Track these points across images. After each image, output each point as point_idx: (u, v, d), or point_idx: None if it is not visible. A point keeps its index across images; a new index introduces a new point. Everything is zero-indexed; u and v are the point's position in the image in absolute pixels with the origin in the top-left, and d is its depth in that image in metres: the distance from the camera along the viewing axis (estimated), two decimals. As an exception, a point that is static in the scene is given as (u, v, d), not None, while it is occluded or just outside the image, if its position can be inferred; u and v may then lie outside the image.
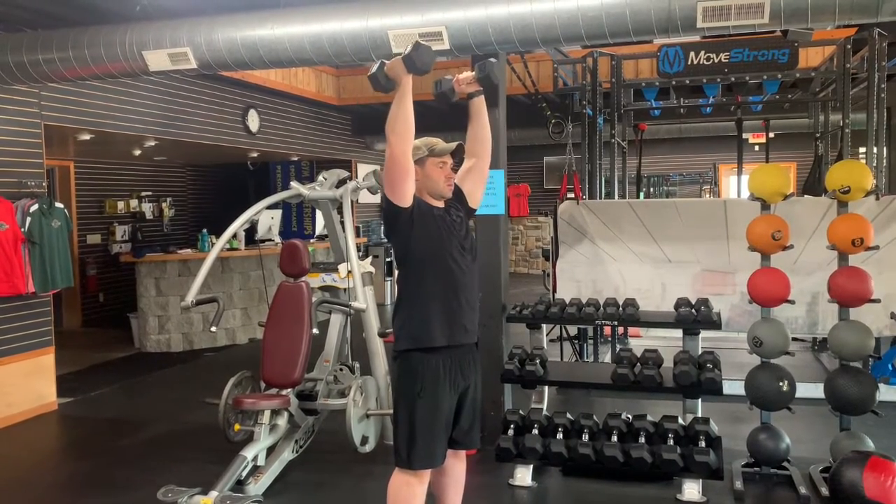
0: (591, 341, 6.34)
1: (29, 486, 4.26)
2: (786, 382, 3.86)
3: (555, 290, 5.65)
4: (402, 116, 2.60)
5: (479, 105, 2.95)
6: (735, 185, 9.01)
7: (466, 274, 2.85)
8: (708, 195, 13.31)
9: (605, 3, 3.67)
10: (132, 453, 4.70)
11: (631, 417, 4.01)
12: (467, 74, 2.90)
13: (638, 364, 4.16)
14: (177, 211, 11.13)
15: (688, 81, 6.28)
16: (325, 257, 9.37)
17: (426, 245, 2.77)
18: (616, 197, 7.18)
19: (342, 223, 4.50)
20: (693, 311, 4.35)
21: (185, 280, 7.75)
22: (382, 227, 2.95)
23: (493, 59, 2.88)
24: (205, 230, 8.40)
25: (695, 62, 6.06)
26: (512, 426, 4.09)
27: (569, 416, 4.10)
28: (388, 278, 10.79)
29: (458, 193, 2.95)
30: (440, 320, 2.76)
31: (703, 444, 3.75)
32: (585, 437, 3.94)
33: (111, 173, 9.94)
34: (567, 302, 4.66)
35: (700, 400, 4.17)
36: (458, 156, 2.90)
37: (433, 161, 2.84)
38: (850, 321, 3.86)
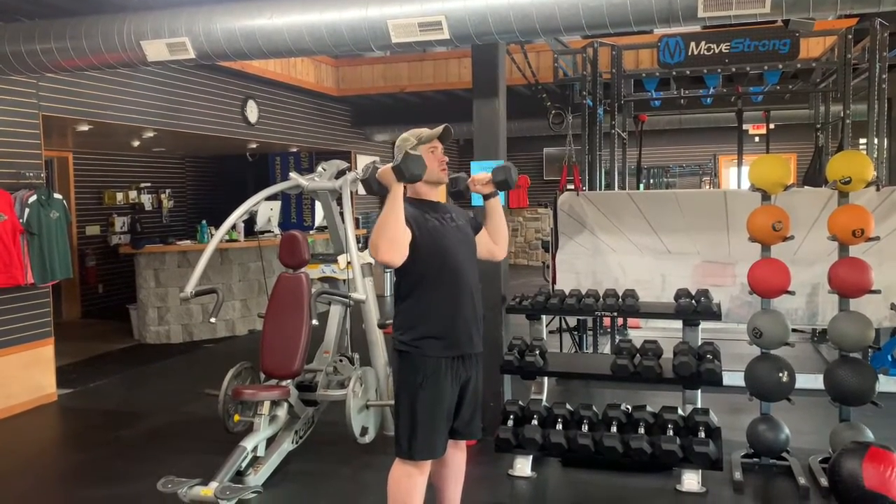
0: (590, 332, 6.34)
1: (28, 476, 4.26)
2: (785, 373, 3.86)
3: (554, 282, 5.64)
4: (393, 222, 2.61)
5: (495, 205, 3.04)
6: (735, 176, 9.00)
7: (468, 282, 2.84)
8: (708, 186, 13.29)
9: (606, -8, 3.65)
10: (132, 444, 4.70)
11: (630, 408, 4.02)
12: (483, 175, 3.02)
13: (637, 355, 4.16)
14: (176, 202, 11.11)
15: (688, 72, 6.26)
16: (324, 248, 9.36)
17: (424, 260, 2.75)
18: (616, 188, 7.16)
19: (341, 214, 4.49)
20: (693, 302, 4.35)
21: (185, 271, 7.75)
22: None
23: (509, 164, 3.01)
24: (204, 221, 8.39)
25: (695, 52, 6.04)
26: (511, 417, 4.09)
27: (568, 406, 4.10)
28: (388, 270, 10.78)
29: (475, 226, 3.01)
30: (443, 336, 2.76)
31: (702, 434, 3.76)
32: (585, 428, 3.95)
33: (110, 164, 9.91)
34: (567, 293, 4.65)
35: (700, 391, 4.18)
36: (446, 138, 2.90)
37: (424, 148, 2.84)
38: (850, 312, 3.86)
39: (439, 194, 2.99)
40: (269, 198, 4.71)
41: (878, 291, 3.78)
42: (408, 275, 2.77)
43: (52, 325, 5.80)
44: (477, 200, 3.22)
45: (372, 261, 4.73)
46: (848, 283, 3.78)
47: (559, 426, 3.98)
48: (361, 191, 5.27)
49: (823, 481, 3.68)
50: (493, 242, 3.05)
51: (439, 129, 2.87)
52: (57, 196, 5.62)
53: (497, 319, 4.57)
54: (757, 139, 12.22)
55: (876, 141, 5.76)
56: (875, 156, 5.69)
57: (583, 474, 4.00)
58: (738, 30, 5.90)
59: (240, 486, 3.59)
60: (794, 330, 4.87)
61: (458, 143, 14.31)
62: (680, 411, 3.98)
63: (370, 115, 11.13)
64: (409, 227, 2.68)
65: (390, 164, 2.64)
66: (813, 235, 4.78)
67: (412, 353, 2.77)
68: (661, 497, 3.71)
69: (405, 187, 2.75)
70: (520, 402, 4.21)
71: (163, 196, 10.81)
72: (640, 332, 7.01)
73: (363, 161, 11.09)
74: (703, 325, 4.39)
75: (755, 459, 4.01)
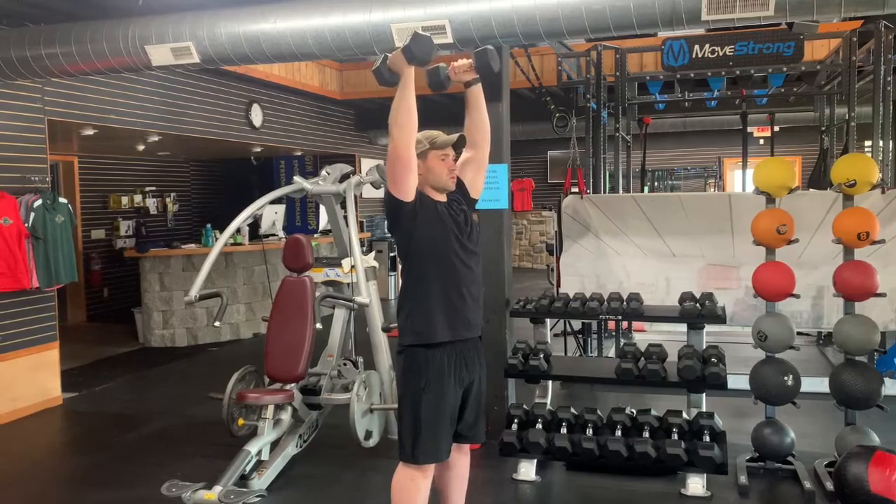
0: (594, 336, 6.33)
1: (34, 480, 4.27)
2: (790, 377, 3.85)
3: (558, 285, 5.64)
4: (405, 108, 2.59)
5: (477, 93, 2.91)
6: (740, 178, 8.98)
7: (470, 268, 2.84)
8: (712, 189, 13.27)
9: (609, -5, 3.65)
10: (136, 448, 4.71)
11: (635, 412, 4.01)
12: (463, 62, 2.84)
13: (642, 358, 4.15)
14: (180, 206, 11.14)
15: (692, 75, 6.25)
16: (328, 252, 9.37)
17: (429, 239, 2.77)
18: (620, 191, 7.16)
19: (345, 218, 4.49)
20: (697, 305, 4.34)
21: (189, 275, 7.76)
22: (386, 222, 2.93)
23: (490, 47, 2.82)
24: (208, 225, 8.41)
25: (699, 55, 6.03)
26: (516, 421, 4.09)
27: (573, 410, 4.09)
28: (392, 273, 10.79)
29: (459, 185, 2.93)
30: (443, 315, 2.76)
31: (707, 438, 3.75)
32: (589, 432, 3.93)
33: (115, 168, 9.95)
34: (571, 296, 4.65)
35: (704, 394, 4.17)
36: (459, 148, 2.89)
37: (435, 154, 2.83)
38: (855, 315, 3.85)
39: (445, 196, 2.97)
40: (274, 201, 4.72)
41: (883, 294, 3.77)
42: (414, 255, 2.78)
43: (58, 329, 5.81)
44: (481, 205, 3.14)
45: (376, 264, 4.75)
46: (853, 287, 3.77)
47: (563, 430, 3.97)
48: (366, 194, 5.28)
49: (829, 485, 3.66)
50: (475, 142, 2.93)
51: (454, 137, 2.85)
52: (62, 200, 5.64)
53: (501, 323, 4.56)
54: (761, 142, 12.20)
55: (881, 143, 5.74)
56: (880, 158, 5.67)
57: (587, 478, 3.98)
58: (742, 32, 5.90)
59: (244, 489, 3.59)
60: (799, 333, 4.86)
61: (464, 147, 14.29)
62: (685, 415, 3.97)
63: (374, 119, 11.14)
64: (413, 208, 2.70)
65: (399, 48, 2.58)
66: (818, 238, 4.76)
67: (415, 346, 2.76)
68: (665, 501, 3.70)
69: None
70: (524, 406, 4.20)
71: (168, 200, 10.84)
72: (645, 335, 6.99)
73: (367, 164, 11.11)
74: (708, 328, 4.38)
75: (760, 463, 3.99)
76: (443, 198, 2.88)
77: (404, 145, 2.61)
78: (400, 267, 2.95)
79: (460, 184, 2.93)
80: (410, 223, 2.74)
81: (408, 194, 2.69)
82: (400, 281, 2.93)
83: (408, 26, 3.96)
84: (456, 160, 2.91)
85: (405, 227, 2.76)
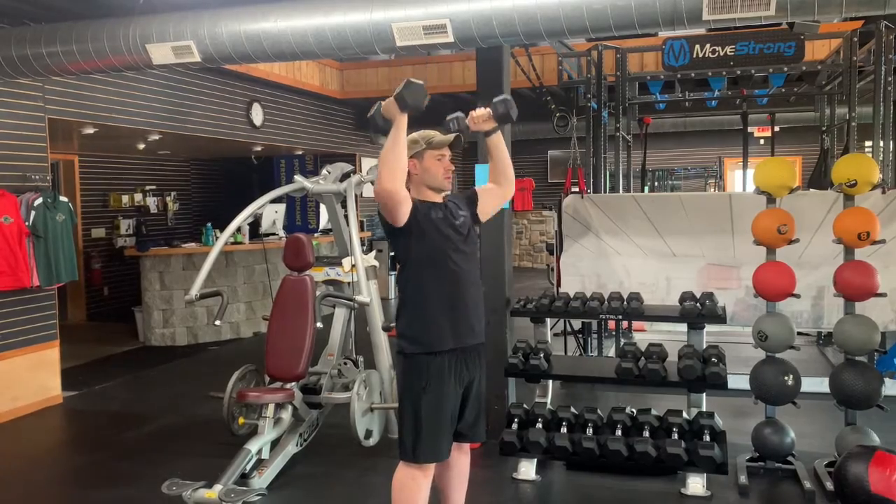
0: (595, 335, 6.33)
1: (34, 479, 4.27)
2: (791, 377, 3.85)
3: (559, 285, 5.64)
4: (396, 152, 2.60)
5: (497, 141, 2.93)
6: (740, 178, 8.98)
7: (469, 273, 2.84)
8: (712, 189, 13.27)
9: (611, -5, 3.65)
10: (137, 447, 4.71)
11: (635, 411, 4.01)
12: (482, 111, 2.87)
13: (642, 358, 4.15)
14: (181, 205, 11.14)
15: (693, 75, 6.25)
16: (328, 251, 9.37)
17: (426, 250, 2.76)
18: (621, 191, 7.16)
19: (346, 217, 4.50)
20: (698, 305, 4.34)
21: (190, 274, 7.77)
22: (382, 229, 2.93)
23: (508, 97, 2.87)
24: (209, 224, 8.41)
25: (700, 55, 6.03)
26: (516, 420, 4.09)
27: (573, 409, 4.09)
28: (392, 272, 10.79)
29: (472, 200, 2.97)
30: (446, 325, 2.76)
31: (707, 438, 3.75)
32: (589, 431, 3.94)
33: (115, 167, 9.94)
34: (571, 296, 4.65)
35: (705, 394, 4.17)
36: (455, 147, 2.89)
37: (431, 154, 2.83)
38: (855, 315, 3.85)
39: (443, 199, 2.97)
40: (274, 200, 4.72)
41: (883, 294, 3.77)
42: (411, 263, 2.78)
43: (58, 328, 5.82)
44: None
45: (376, 263, 4.75)
46: (853, 287, 3.77)
47: (564, 429, 3.97)
48: (366, 193, 5.28)
49: (829, 485, 3.66)
50: (499, 183, 2.97)
51: (450, 137, 2.85)
52: (63, 199, 5.64)
53: (501, 322, 4.56)
54: (762, 142, 12.20)
55: (881, 143, 5.74)
56: (881, 158, 5.67)
57: (587, 478, 3.98)
58: (742, 32, 5.89)
59: (244, 488, 3.60)
60: (799, 333, 4.86)
61: (464, 146, 14.30)
62: (685, 414, 3.98)
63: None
64: (409, 219, 2.70)
65: (393, 95, 2.60)
66: (818, 238, 4.76)
67: (416, 354, 2.77)
68: (666, 501, 3.70)
69: (408, 178, 2.75)
70: (524, 406, 4.20)
71: (168, 199, 10.84)
72: (645, 335, 7.00)
73: (368, 164, 11.11)
74: (708, 328, 4.39)
75: (760, 463, 3.99)
76: (438, 198, 2.87)
77: (394, 190, 2.62)
78: (397, 271, 2.94)
79: (473, 200, 2.96)
80: (406, 238, 2.76)
81: (401, 222, 2.71)
82: (397, 285, 2.93)
83: (409, 25, 3.96)
84: (453, 161, 2.92)
85: (401, 240, 2.79)
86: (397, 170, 2.61)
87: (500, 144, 2.93)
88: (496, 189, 3.00)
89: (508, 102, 2.83)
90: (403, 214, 2.70)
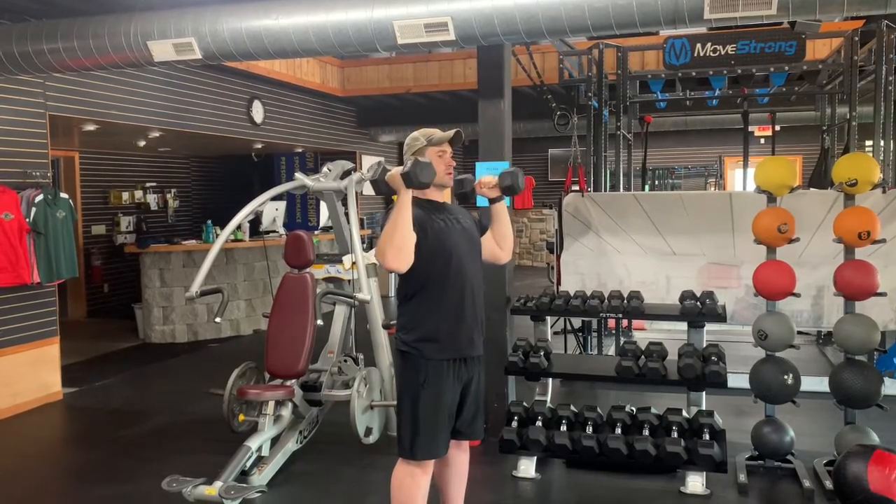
0: (594, 334, 6.34)
1: (34, 475, 4.28)
2: (790, 376, 3.85)
3: (559, 283, 5.64)
4: (401, 232, 2.62)
5: (501, 209, 3.02)
6: (740, 177, 8.98)
7: (470, 276, 2.84)
8: (713, 188, 13.27)
9: (612, -7, 3.65)
10: (137, 443, 4.72)
11: (635, 410, 4.01)
12: (490, 180, 2.97)
13: (642, 357, 4.16)
14: (181, 202, 11.14)
15: (694, 73, 6.25)
16: (329, 249, 9.38)
17: (429, 261, 2.75)
18: (621, 189, 7.16)
19: (347, 215, 4.50)
20: (698, 303, 4.34)
21: (190, 271, 7.77)
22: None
23: (516, 170, 2.99)
24: (209, 221, 8.41)
25: (701, 54, 6.03)
26: (516, 418, 4.09)
27: (573, 408, 4.10)
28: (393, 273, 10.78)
29: (481, 227, 3.02)
30: (445, 338, 2.77)
31: (707, 437, 3.75)
32: (589, 430, 3.94)
33: (116, 164, 9.94)
34: (571, 294, 4.65)
35: (704, 393, 4.17)
36: (456, 143, 2.89)
37: (433, 150, 2.84)
38: (855, 314, 3.85)
39: (445, 196, 2.98)
40: (275, 198, 4.72)
41: (883, 294, 3.77)
42: (412, 275, 2.76)
43: (58, 324, 5.82)
44: (482, 202, 3.21)
45: (377, 261, 4.75)
46: (853, 286, 3.77)
47: (563, 427, 3.97)
48: (367, 191, 5.28)
49: (828, 484, 3.67)
50: (498, 247, 3.05)
51: (450, 133, 2.86)
52: (63, 195, 5.64)
53: (502, 320, 4.56)
54: (763, 141, 12.18)
55: (882, 143, 5.74)
56: (881, 158, 5.67)
57: (587, 476, 3.99)
58: (744, 31, 5.89)
59: (244, 485, 3.60)
60: (799, 332, 4.86)
61: (464, 144, 14.30)
62: (685, 413, 3.98)
63: (375, 116, 11.14)
64: (414, 230, 2.68)
65: (399, 169, 2.64)
66: (818, 238, 4.77)
67: (414, 354, 2.77)
68: (665, 499, 3.70)
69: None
70: (524, 404, 4.21)
71: (168, 196, 10.84)
72: (645, 333, 7.00)
73: (368, 161, 11.10)
74: (708, 326, 4.39)
75: (760, 462, 4.00)
76: (441, 196, 2.88)
77: (399, 267, 2.65)
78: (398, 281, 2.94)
79: (481, 225, 3.02)
80: (418, 252, 2.73)
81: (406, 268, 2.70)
82: (396, 287, 2.93)
83: (411, 23, 3.96)
84: (453, 156, 2.93)
85: None
86: (403, 250, 2.63)
87: (503, 212, 3.04)
88: (494, 248, 3.05)
89: (515, 175, 2.96)
90: (410, 263, 2.70)
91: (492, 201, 3.01)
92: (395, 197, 2.71)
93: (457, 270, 2.79)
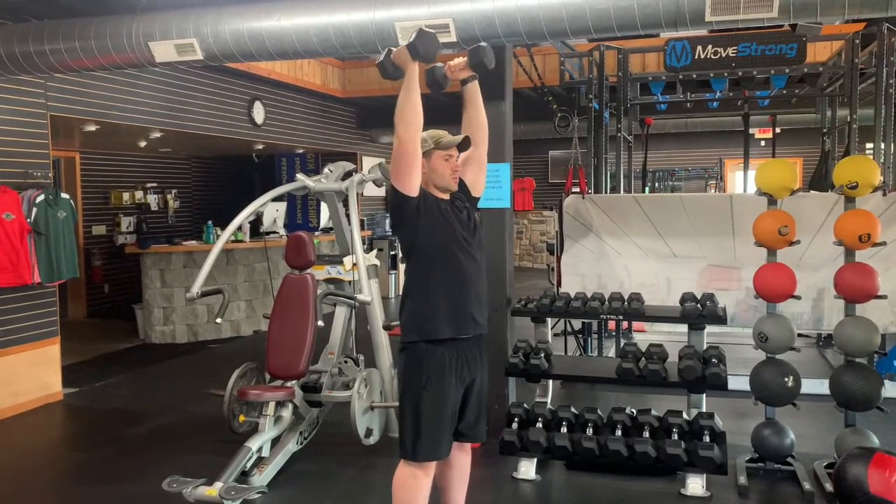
0: (595, 336, 6.34)
1: (34, 475, 4.28)
2: (791, 378, 3.85)
3: (559, 285, 5.64)
4: (411, 104, 2.62)
5: (474, 91, 2.93)
6: (741, 180, 8.98)
7: (474, 265, 2.85)
8: (713, 190, 13.27)
9: (613, -5, 3.65)
10: (137, 444, 4.72)
11: (635, 412, 4.01)
12: (459, 60, 2.87)
13: (643, 358, 4.16)
14: (182, 203, 11.14)
15: (695, 76, 6.25)
16: (329, 250, 9.38)
17: (433, 236, 2.78)
18: (622, 191, 7.16)
19: (347, 216, 4.50)
20: (698, 305, 4.34)
21: (190, 272, 7.77)
22: (389, 220, 2.94)
23: (484, 44, 2.84)
24: (210, 222, 8.41)
25: (702, 56, 6.03)
26: (516, 419, 4.09)
27: (573, 409, 4.10)
28: (392, 271, 10.80)
29: (460, 185, 2.95)
30: (447, 312, 2.77)
31: (707, 439, 3.75)
32: (589, 431, 3.94)
33: (117, 165, 9.95)
34: (572, 296, 4.66)
35: (705, 395, 4.17)
36: (464, 148, 2.89)
37: (439, 154, 2.84)
38: (855, 317, 3.85)
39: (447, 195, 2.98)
40: (276, 199, 4.72)
41: (883, 296, 3.77)
42: (418, 252, 2.79)
43: (59, 325, 5.82)
44: (484, 203, 3.16)
45: (377, 262, 4.76)
46: (854, 288, 3.77)
47: (564, 429, 3.98)
48: (367, 192, 5.29)
49: (828, 486, 3.67)
50: (473, 134, 2.92)
51: (459, 138, 2.86)
52: (64, 196, 5.64)
53: (502, 322, 4.57)
54: (763, 143, 12.19)
55: (882, 146, 5.74)
56: (882, 161, 5.67)
57: (587, 477, 3.99)
58: (745, 34, 5.90)
59: (244, 486, 3.60)
60: (799, 335, 4.86)
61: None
62: (685, 415, 3.98)
63: (376, 117, 11.14)
64: (419, 203, 2.71)
65: (404, 44, 2.61)
66: (819, 240, 4.77)
67: (416, 342, 2.77)
68: (665, 501, 3.70)
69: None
70: (524, 405, 4.21)
71: (169, 196, 10.84)
72: (645, 335, 7.00)
73: (369, 163, 11.11)
74: (709, 329, 4.39)
75: (760, 464, 4.00)
76: (446, 196, 2.89)
77: (409, 139, 2.63)
78: (403, 265, 2.94)
79: (462, 184, 2.95)
80: (414, 220, 2.75)
81: (412, 189, 2.71)
82: (402, 279, 2.93)
83: (412, 24, 3.97)
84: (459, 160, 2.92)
85: (409, 224, 2.77)
86: (413, 120, 2.62)
87: (476, 94, 2.93)
88: (472, 151, 2.95)
89: (483, 50, 2.81)
90: (416, 179, 2.70)
91: (463, 82, 2.90)
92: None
93: (460, 247, 2.81)
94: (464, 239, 2.83)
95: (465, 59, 2.85)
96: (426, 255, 2.79)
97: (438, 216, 2.79)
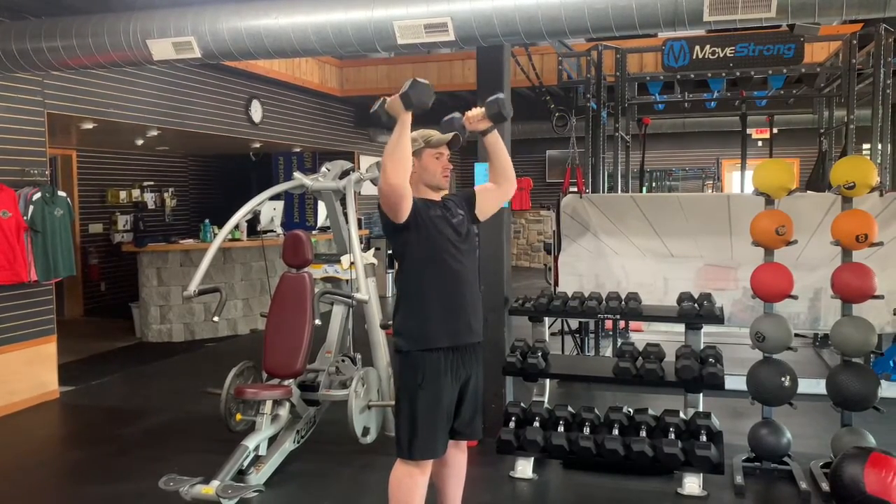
0: (592, 335, 6.34)
1: (30, 473, 4.27)
2: (788, 378, 3.86)
3: (556, 284, 5.64)
4: (401, 148, 2.61)
5: (494, 140, 2.93)
6: (738, 180, 9.01)
7: (467, 272, 2.85)
8: (710, 190, 13.29)
9: (612, -5, 3.66)
10: (133, 442, 4.71)
11: (632, 411, 4.02)
12: (477, 111, 2.89)
13: (640, 358, 4.16)
14: (179, 201, 11.13)
15: (692, 76, 6.26)
16: (327, 248, 9.37)
17: (425, 247, 2.77)
18: (619, 191, 7.17)
19: (345, 214, 4.49)
20: (696, 305, 4.35)
21: (187, 270, 7.76)
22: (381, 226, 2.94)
23: (502, 95, 2.88)
24: (207, 220, 8.40)
25: (700, 56, 6.04)
26: (513, 418, 4.09)
27: (570, 409, 4.10)
28: (390, 270, 10.79)
29: (469, 200, 2.97)
30: (442, 322, 2.77)
31: (704, 438, 3.75)
32: (586, 431, 3.94)
33: (113, 163, 9.93)
34: (569, 295, 4.66)
35: (702, 394, 4.18)
36: (454, 146, 2.90)
37: (430, 152, 2.85)
38: (852, 317, 3.86)
39: (440, 197, 2.98)
40: (273, 197, 4.72)
41: (880, 297, 3.78)
42: (410, 260, 2.79)
43: (55, 323, 5.81)
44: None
45: (375, 261, 4.75)
46: (851, 288, 3.78)
47: (561, 428, 3.98)
48: (365, 191, 5.28)
49: (825, 486, 3.68)
50: (498, 183, 2.96)
51: (448, 136, 2.86)
52: (61, 194, 5.63)
53: (500, 321, 4.57)
54: (760, 143, 12.22)
55: (880, 146, 5.75)
56: (879, 161, 5.68)
57: (584, 477, 3.99)
58: (742, 34, 5.90)
59: (241, 484, 3.59)
60: (796, 334, 4.87)
61: (463, 145, 14.29)
62: (682, 415, 3.98)
63: (374, 116, 11.12)
64: (410, 214, 2.71)
65: (398, 93, 2.62)
66: (816, 240, 4.78)
67: (412, 350, 2.77)
68: (662, 500, 3.71)
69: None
70: (521, 404, 4.21)
71: (166, 195, 10.83)
72: (643, 335, 7.01)
73: (366, 162, 11.10)
74: (706, 328, 4.39)
75: (757, 464, 4.01)
76: (436, 196, 2.88)
77: (399, 185, 2.62)
78: (395, 269, 2.94)
79: (471, 200, 2.96)
80: (405, 234, 2.77)
81: (402, 218, 2.71)
82: (395, 282, 2.92)
83: (411, 23, 3.96)
84: (450, 159, 2.93)
85: (400, 238, 2.79)
86: (402, 166, 2.62)
87: (497, 143, 2.93)
88: (496, 189, 3.00)
89: (501, 101, 2.84)
90: (405, 210, 2.70)
91: (483, 133, 2.92)
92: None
93: (453, 256, 2.80)
94: (455, 246, 2.82)
95: (483, 110, 2.87)
96: (418, 264, 2.79)
97: (431, 228, 2.78)
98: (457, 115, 2.93)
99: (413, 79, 2.61)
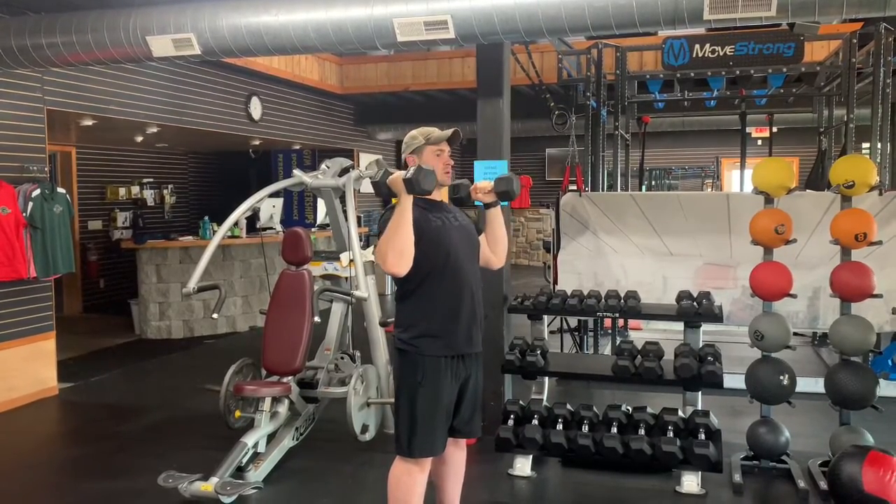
0: (591, 333, 6.34)
1: (29, 470, 4.27)
2: (786, 376, 3.86)
3: (556, 282, 5.64)
4: (401, 236, 2.62)
5: (496, 214, 2.98)
6: (737, 179, 9.01)
7: (468, 275, 2.84)
8: (709, 189, 13.29)
9: (612, -7, 3.65)
10: (132, 439, 4.71)
11: (631, 409, 4.02)
12: (485, 184, 2.94)
13: (638, 356, 4.17)
14: (178, 198, 11.12)
15: (692, 74, 6.26)
16: (326, 246, 9.37)
17: (425, 255, 2.74)
18: (619, 189, 7.17)
19: (344, 212, 4.49)
20: (695, 304, 4.35)
21: (186, 267, 7.76)
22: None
23: (512, 175, 2.95)
24: (206, 217, 8.39)
25: (700, 55, 6.04)
26: (512, 416, 4.10)
27: (569, 407, 4.11)
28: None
29: (478, 228, 3.00)
30: (441, 333, 2.76)
31: (702, 436, 3.76)
32: (585, 429, 3.95)
33: (113, 159, 9.93)
34: (568, 294, 4.66)
35: (700, 393, 4.18)
36: (454, 142, 2.90)
37: (431, 149, 2.85)
38: (851, 316, 3.86)
39: (442, 195, 2.98)
40: (272, 195, 4.72)
41: (879, 296, 3.78)
42: (410, 273, 2.76)
43: (54, 319, 5.81)
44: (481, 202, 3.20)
45: (374, 259, 4.75)
46: (850, 287, 3.78)
47: (559, 426, 3.98)
48: (364, 189, 5.28)
49: (823, 485, 3.68)
50: (491, 251, 3.02)
51: (448, 132, 2.87)
52: (60, 190, 5.63)
53: (499, 319, 4.57)
54: (760, 142, 12.22)
55: (879, 145, 5.75)
56: (878, 160, 5.68)
57: (582, 475, 4.00)
58: (742, 33, 5.90)
59: (240, 481, 3.60)
60: (795, 333, 4.87)
61: (462, 143, 14.31)
62: (680, 413, 3.99)
63: (373, 114, 11.13)
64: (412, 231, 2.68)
65: (402, 174, 2.63)
66: (815, 239, 4.78)
67: (412, 351, 2.77)
68: (660, 498, 3.71)
69: None
70: (520, 402, 4.21)
71: (165, 192, 10.82)
72: (641, 333, 7.01)
73: (366, 159, 11.09)
74: (704, 327, 4.40)
75: (755, 462, 4.01)
76: (438, 196, 2.88)
77: (396, 264, 2.63)
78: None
79: (477, 228, 2.99)
80: (416, 251, 2.73)
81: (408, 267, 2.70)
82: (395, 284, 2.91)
83: (410, 21, 3.96)
84: (451, 155, 2.93)
85: None
86: (404, 254, 2.63)
87: (498, 218, 2.99)
88: (487, 253, 3.02)
89: (510, 181, 2.91)
90: (410, 264, 2.69)
91: (486, 206, 2.98)
92: (394, 200, 2.71)
93: (454, 267, 2.79)
94: (456, 252, 2.80)
95: (491, 184, 2.93)
96: (422, 275, 2.75)
97: (433, 240, 2.76)
98: (465, 181, 3.03)
99: (418, 165, 2.66)
